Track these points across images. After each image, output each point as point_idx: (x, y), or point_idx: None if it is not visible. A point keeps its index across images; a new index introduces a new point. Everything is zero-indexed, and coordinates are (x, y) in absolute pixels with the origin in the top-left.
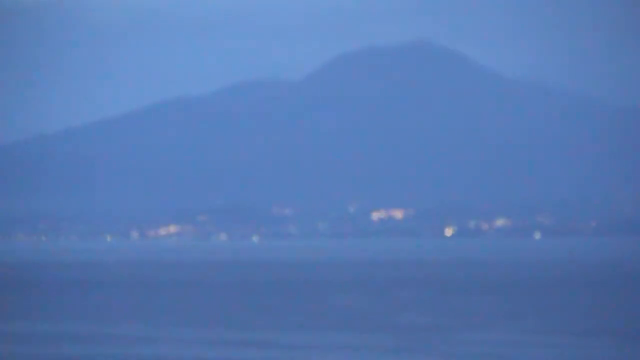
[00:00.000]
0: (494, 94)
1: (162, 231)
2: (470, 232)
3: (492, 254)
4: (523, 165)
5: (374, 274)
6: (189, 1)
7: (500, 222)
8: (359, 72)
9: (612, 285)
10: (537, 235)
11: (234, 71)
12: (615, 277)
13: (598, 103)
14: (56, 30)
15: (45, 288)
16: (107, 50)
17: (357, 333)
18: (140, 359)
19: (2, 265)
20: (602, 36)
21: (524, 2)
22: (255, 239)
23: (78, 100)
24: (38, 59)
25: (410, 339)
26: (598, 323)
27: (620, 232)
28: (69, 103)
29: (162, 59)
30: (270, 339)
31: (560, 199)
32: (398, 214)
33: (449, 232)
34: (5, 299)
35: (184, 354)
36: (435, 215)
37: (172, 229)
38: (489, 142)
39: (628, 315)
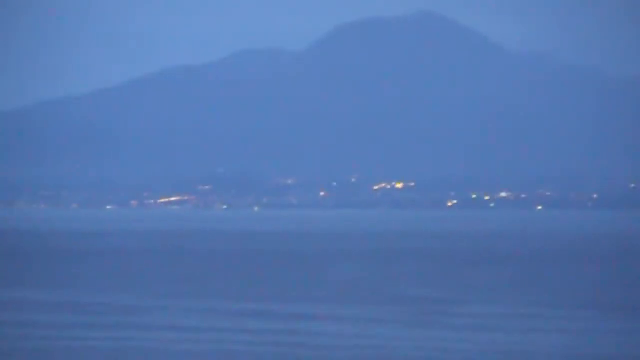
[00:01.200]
0: (496, 67)
1: (162, 200)
2: (472, 204)
3: (493, 226)
4: (525, 137)
5: (375, 246)
6: None
7: (502, 195)
8: (361, 43)
9: (613, 258)
10: (539, 208)
11: (237, 41)
12: (616, 250)
13: (601, 75)
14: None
15: (44, 256)
16: (110, 17)
17: (358, 304)
18: (136, 328)
19: (2, 232)
20: (606, 8)
21: None
22: (256, 208)
23: (80, 67)
24: (39, 25)
25: (411, 311)
26: (599, 296)
27: (622, 205)
28: (71, 71)
29: (165, 27)
30: (270, 310)
31: (562, 172)
32: (399, 185)
33: (450, 204)
34: (4, 267)
35: (181, 323)
36: (436, 187)
37: (173, 198)
38: (492, 114)
39: (628, 288)
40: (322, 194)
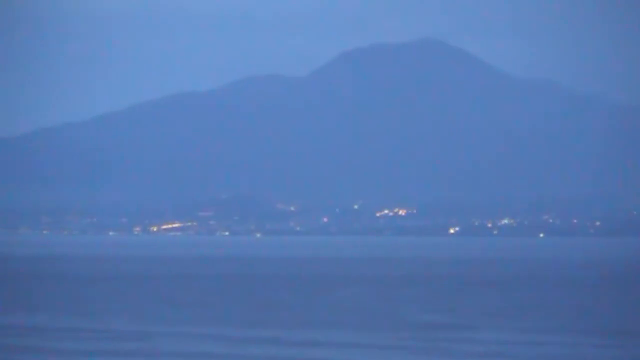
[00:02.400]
0: (500, 93)
1: (165, 226)
2: (475, 230)
3: (495, 253)
4: (528, 164)
5: (380, 272)
6: None
7: (504, 221)
8: (364, 69)
9: (615, 285)
10: (542, 235)
11: (240, 67)
12: (618, 276)
13: (605, 102)
14: (59, 23)
15: (47, 281)
16: (113, 44)
17: (364, 331)
18: (143, 355)
19: (5, 258)
20: (611, 36)
21: (532, 2)
22: (258, 235)
23: (82, 94)
24: (41, 53)
25: (418, 337)
26: (601, 322)
27: (625, 232)
28: (73, 97)
29: (167, 54)
30: (277, 336)
31: (565, 199)
32: (402, 212)
33: (452, 230)
34: (7, 292)
35: (188, 350)
36: (439, 214)
37: (175, 224)
38: (495, 141)
39: (632, 314)
40: (324, 220)
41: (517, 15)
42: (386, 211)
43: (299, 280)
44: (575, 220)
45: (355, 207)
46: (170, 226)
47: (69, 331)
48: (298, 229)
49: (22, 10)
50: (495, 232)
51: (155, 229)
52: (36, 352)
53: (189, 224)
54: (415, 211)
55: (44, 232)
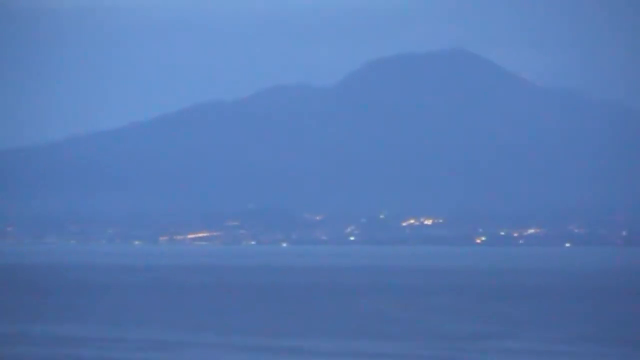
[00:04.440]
0: (526, 102)
1: (191, 236)
2: (501, 240)
3: (522, 263)
4: (555, 173)
5: (404, 281)
6: (224, 6)
7: (530, 231)
8: (391, 78)
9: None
10: (568, 244)
11: (267, 76)
12: None
13: (632, 111)
14: (86, 34)
15: (73, 290)
16: (141, 54)
17: (385, 340)
18: None
19: (33, 266)
20: (633, 45)
21: (557, 12)
22: (284, 244)
23: (111, 103)
24: (72, 62)
25: (438, 346)
26: (630, 332)
27: None
28: (103, 105)
29: (196, 63)
30: (298, 345)
31: (591, 209)
32: (428, 221)
33: (479, 240)
34: (35, 301)
35: (210, 359)
36: (465, 223)
37: (201, 234)
38: (522, 150)
39: None
40: (350, 229)
41: (544, 25)
42: (412, 221)
43: (324, 290)
44: (601, 230)
45: (381, 216)
46: (196, 235)
47: (96, 340)
48: (324, 238)
49: (48, 22)
50: (521, 241)
51: (181, 238)
52: None
53: (215, 233)
54: (441, 221)
55: (71, 241)
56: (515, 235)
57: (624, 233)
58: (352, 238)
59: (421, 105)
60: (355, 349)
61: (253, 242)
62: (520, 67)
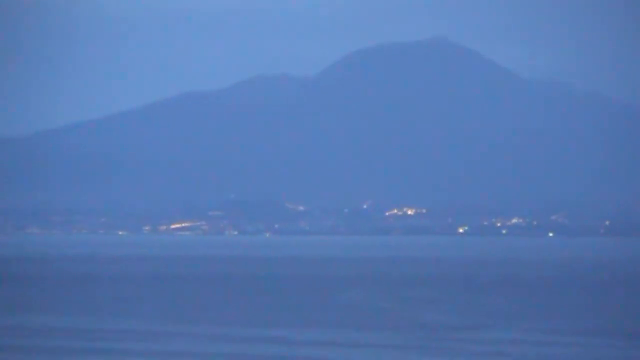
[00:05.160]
0: (509, 93)
1: (174, 226)
2: (484, 230)
3: (505, 253)
4: (538, 164)
5: (387, 271)
6: None
7: (514, 221)
8: (373, 68)
9: (625, 285)
10: (551, 235)
11: (248, 66)
12: (628, 277)
13: (614, 103)
14: (69, 25)
15: (57, 281)
16: (120, 45)
17: (368, 330)
18: (150, 355)
19: (15, 258)
20: (618, 37)
21: (543, 3)
22: (267, 234)
23: (92, 94)
24: (53, 52)
25: (421, 336)
26: (609, 322)
27: (635, 232)
28: (83, 97)
29: (175, 54)
30: (282, 335)
31: (574, 199)
32: (411, 211)
33: (461, 230)
34: (18, 292)
35: (194, 349)
36: (448, 214)
37: (184, 224)
38: (504, 141)
39: (638, 315)
40: (333, 220)
41: (527, 16)
42: (395, 211)
43: (307, 280)
44: (584, 220)
45: (364, 206)
46: (179, 226)
47: (78, 331)
48: (307, 228)
49: (31, 13)
50: (504, 231)
51: (164, 228)
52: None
53: (198, 223)
54: (424, 211)
55: (54, 232)
56: (498, 225)
57: (607, 223)
58: (335, 228)
59: (404, 96)
60: (338, 339)
61: (235, 233)
62: (503, 58)
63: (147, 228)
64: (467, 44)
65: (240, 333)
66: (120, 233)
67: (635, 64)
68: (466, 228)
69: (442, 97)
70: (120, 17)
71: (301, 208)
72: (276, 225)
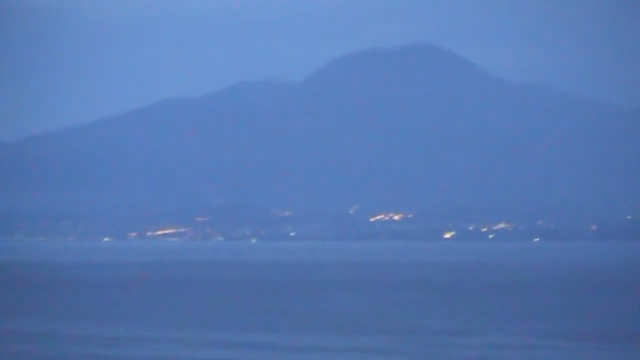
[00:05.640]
0: (494, 97)
1: (160, 232)
2: (470, 235)
3: (491, 257)
4: (523, 169)
5: (373, 276)
6: (193, 3)
7: (500, 226)
8: (360, 73)
9: (610, 289)
10: (537, 239)
11: (235, 72)
12: (613, 281)
13: (599, 105)
14: (56, 31)
15: (43, 287)
16: (107, 51)
17: (355, 335)
18: None
19: (1, 264)
20: (601, 40)
21: (525, 7)
22: (254, 240)
23: (77, 100)
24: (37, 59)
25: (408, 341)
26: (597, 326)
27: (620, 236)
28: (69, 103)
29: (161, 59)
30: (269, 341)
31: (560, 203)
32: (397, 216)
33: (448, 235)
34: (2, 298)
35: (181, 355)
36: (434, 219)
37: (170, 230)
38: (489, 145)
39: (627, 319)
40: (319, 225)
41: (510, 20)
42: (381, 216)
43: (293, 286)
44: (570, 225)
45: (350, 212)
46: (165, 232)
47: (66, 337)
48: (293, 234)
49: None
50: (490, 236)
51: (150, 234)
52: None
53: (184, 229)
54: (410, 216)
55: (40, 238)
56: (484, 230)
57: (593, 227)
58: (321, 233)
59: (389, 101)
60: (326, 344)
61: (222, 238)
62: (487, 62)
63: (132, 234)
64: (452, 49)
65: (228, 338)
66: (105, 239)
67: (617, 64)
68: (452, 233)
69: (427, 102)
70: (106, 24)
71: (287, 213)
72: (262, 231)
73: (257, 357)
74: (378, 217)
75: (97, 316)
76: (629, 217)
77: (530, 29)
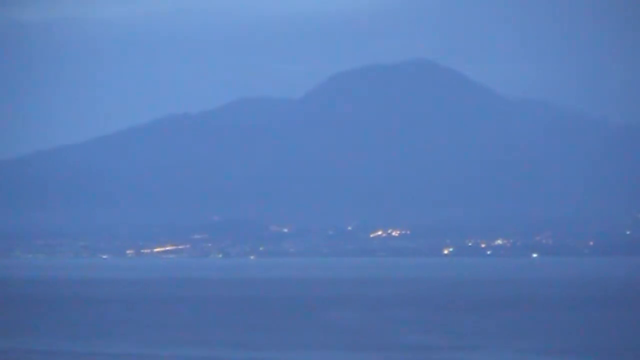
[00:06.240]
0: (492, 113)
1: (158, 249)
2: (468, 251)
3: (489, 273)
4: (522, 185)
5: (373, 293)
6: (190, 21)
7: (498, 242)
8: (356, 90)
9: (609, 305)
10: (535, 255)
11: (233, 89)
12: (612, 296)
13: (597, 121)
14: (58, 48)
15: (40, 305)
16: (103, 68)
17: (353, 351)
18: None
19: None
20: (600, 56)
21: (522, 23)
22: (252, 257)
23: (74, 117)
24: (37, 76)
25: (406, 357)
26: (594, 342)
27: (618, 251)
28: (66, 121)
29: (163, 76)
30: (267, 358)
31: (558, 219)
32: (396, 233)
33: (446, 251)
34: (1, 316)
35: None
36: (432, 235)
37: (169, 247)
38: (488, 161)
39: (626, 334)
40: (318, 241)
41: (509, 36)
42: (380, 232)
43: (292, 302)
44: (569, 241)
45: (349, 228)
46: (163, 249)
47: (64, 355)
48: (292, 250)
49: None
50: (489, 252)
51: (148, 251)
52: None
53: (182, 246)
54: (409, 232)
55: (38, 255)
56: (483, 246)
57: (591, 243)
58: (320, 250)
59: (387, 117)
60: None
61: (220, 255)
62: (486, 78)
63: (130, 251)
64: (450, 65)
65: (225, 355)
66: (104, 257)
67: (621, 83)
68: (451, 249)
69: (426, 119)
70: (104, 41)
71: (285, 230)
72: (261, 248)
73: None
74: (377, 234)
75: (94, 334)
76: (627, 232)
77: (530, 46)
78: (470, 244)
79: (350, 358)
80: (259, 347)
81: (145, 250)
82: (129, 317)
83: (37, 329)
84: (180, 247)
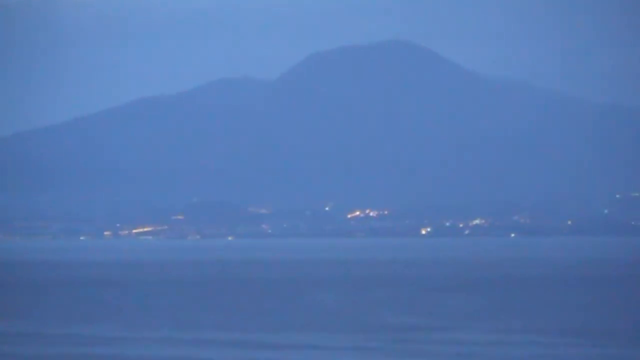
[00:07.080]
0: (469, 93)
1: (136, 231)
2: (446, 231)
3: (467, 253)
4: (499, 164)
5: (351, 273)
6: (166, 2)
7: (476, 222)
8: (333, 70)
9: (586, 284)
10: (513, 235)
11: (209, 70)
12: (589, 275)
13: (577, 101)
14: (30, 31)
15: (21, 288)
16: (78, 50)
17: (336, 333)
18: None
19: None
20: (580, 34)
21: (503, 4)
22: (230, 238)
23: (50, 99)
24: (11, 59)
25: (390, 339)
26: (574, 321)
27: (596, 230)
28: (42, 102)
29: (139, 57)
30: (245, 339)
31: (536, 198)
32: (373, 213)
33: (424, 231)
34: None
35: (166, 354)
36: (410, 215)
37: (146, 228)
38: (465, 141)
39: (602, 313)
40: (296, 222)
41: (489, 18)
42: (357, 213)
43: (271, 283)
44: (546, 220)
45: (327, 209)
46: (141, 230)
47: (50, 337)
48: (270, 231)
49: None
50: (467, 232)
51: (126, 233)
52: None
53: (160, 227)
54: (386, 212)
55: (16, 237)
56: (461, 225)
57: (569, 222)
58: (298, 230)
59: (364, 98)
60: (302, 342)
61: (198, 236)
62: (464, 59)
63: (108, 233)
64: (427, 45)
65: (204, 337)
66: (81, 238)
67: (600, 63)
68: (429, 229)
69: (402, 99)
70: (79, 23)
71: (263, 211)
72: (239, 229)
73: (233, 355)
74: (354, 214)
75: (73, 316)
76: (605, 211)
77: (511, 27)
78: (448, 224)
79: (331, 339)
80: (238, 329)
81: (123, 232)
82: (107, 299)
83: (21, 313)
84: (158, 228)
